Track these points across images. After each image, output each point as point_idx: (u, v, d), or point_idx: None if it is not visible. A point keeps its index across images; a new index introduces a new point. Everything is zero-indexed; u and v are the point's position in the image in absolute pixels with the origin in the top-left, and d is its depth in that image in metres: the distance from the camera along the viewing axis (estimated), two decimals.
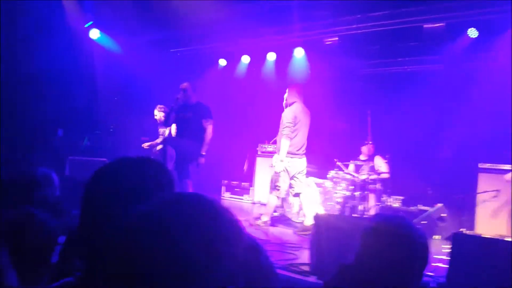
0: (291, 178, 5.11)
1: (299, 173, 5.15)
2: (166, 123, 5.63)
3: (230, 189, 7.90)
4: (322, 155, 6.57)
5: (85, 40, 6.75)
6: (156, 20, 6.27)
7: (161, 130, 6.60)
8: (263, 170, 7.13)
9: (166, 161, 5.47)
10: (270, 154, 6.90)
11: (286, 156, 4.98)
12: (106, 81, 6.96)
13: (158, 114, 6.58)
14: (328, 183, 6.29)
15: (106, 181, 0.99)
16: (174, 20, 6.20)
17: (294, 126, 4.99)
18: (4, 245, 1.24)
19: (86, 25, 6.56)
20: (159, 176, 1.02)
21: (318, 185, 6.31)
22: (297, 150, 5.08)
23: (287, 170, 5.07)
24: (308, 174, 6.49)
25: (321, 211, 6.00)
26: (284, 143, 4.95)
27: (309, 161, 6.52)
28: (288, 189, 5.18)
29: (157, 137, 6.53)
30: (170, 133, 5.71)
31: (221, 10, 5.82)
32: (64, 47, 6.38)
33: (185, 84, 5.58)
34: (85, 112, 6.77)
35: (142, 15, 6.05)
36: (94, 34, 6.78)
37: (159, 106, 6.58)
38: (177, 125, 5.60)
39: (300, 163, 5.14)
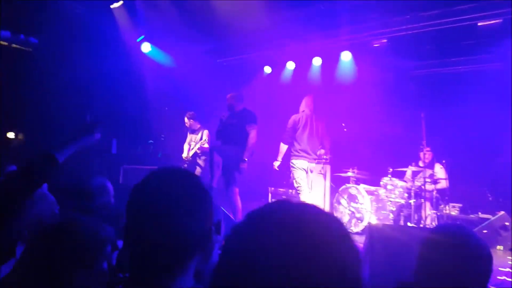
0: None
1: (310, 170, 5.67)
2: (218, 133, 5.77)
3: (276, 196, 7.89)
4: (374, 161, 6.41)
5: (137, 53, 7.06)
6: (203, 31, 6.44)
7: (191, 136, 6.76)
8: (312, 177, 7.01)
9: (213, 169, 5.58)
10: (318, 160, 6.81)
11: (293, 157, 5.64)
12: (157, 92, 7.23)
13: (188, 121, 6.74)
14: (381, 191, 6.11)
15: (146, 191, 1.04)
16: (220, 30, 6.32)
17: (294, 133, 5.62)
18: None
19: (138, 40, 6.86)
20: (194, 188, 1.06)
21: (370, 192, 6.15)
22: (301, 152, 5.65)
23: (296, 169, 5.65)
24: (359, 181, 6.36)
25: (374, 220, 5.84)
26: (281, 146, 5.74)
27: (359, 168, 6.37)
28: (307, 186, 5.67)
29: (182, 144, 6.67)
30: (215, 141, 5.83)
31: (265, 18, 5.85)
32: (117, 60, 6.74)
33: (231, 94, 5.70)
34: (137, 122, 7.06)
35: (189, 27, 6.23)
36: (146, 47, 7.06)
37: (188, 113, 6.73)
38: (223, 133, 5.70)
39: (304, 163, 5.67)
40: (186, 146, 6.83)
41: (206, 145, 6.60)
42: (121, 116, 6.81)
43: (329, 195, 6.45)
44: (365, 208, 5.99)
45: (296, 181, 5.69)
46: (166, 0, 5.85)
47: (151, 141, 7.20)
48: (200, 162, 6.71)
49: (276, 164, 5.83)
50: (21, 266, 1.32)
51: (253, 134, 5.43)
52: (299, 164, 5.63)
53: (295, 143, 5.64)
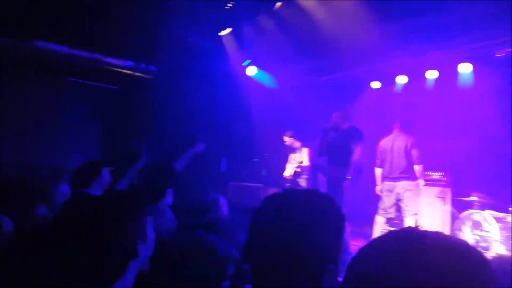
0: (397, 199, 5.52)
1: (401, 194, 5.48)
2: (320, 152, 5.72)
3: (390, 220, 7.41)
4: (501, 184, 5.68)
5: (243, 76, 7.40)
6: (306, 50, 6.50)
7: (292, 156, 6.76)
8: (428, 201, 6.41)
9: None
10: (436, 183, 6.27)
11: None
12: (261, 112, 7.48)
13: (288, 140, 6.75)
14: (510, 218, 5.39)
15: (274, 211, 1.03)
16: (324, 48, 6.30)
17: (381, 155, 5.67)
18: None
19: (244, 63, 7.19)
20: (328, 210, 1.04)
21: (498, 219, 5.50)
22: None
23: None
24: (485, 206, 5.74)
25: (502, 250, 5.18)
26: (375, 171, 5.82)
27: (484, 191, 5.78)
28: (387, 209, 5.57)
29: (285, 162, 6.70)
30: (318, 159, 5.77)
31: (372, 33, 5.65)
32: (225, 84, 7.15)
33: (336, 113, 5.63)
34: (243, 141, 7.36)
35: (294, 47, 6.35)
36: (251, 71, 7.36)
37: (288, 132, 6.75)
38: (328, 150, 5.63)
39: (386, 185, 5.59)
40: (288, 166, 6.89)
41: (306, 164, 6.58)
42: (230, 136, 7.18)
43: (449, 221, 5.97)
44: (491, 237, 5.36)
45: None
46: (271, 24, 6.01)
47: (256, 159, 7.42)
48: (300, 181, 6.72)
49: (378, 188, 5.74)
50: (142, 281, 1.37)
51: (357, 152, 5.27)
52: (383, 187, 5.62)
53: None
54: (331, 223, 1.01)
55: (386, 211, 5.59)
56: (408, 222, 5.45)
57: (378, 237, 0.71)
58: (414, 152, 5.41)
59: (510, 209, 5.47)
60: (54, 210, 2.58)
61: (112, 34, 6.87)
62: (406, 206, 5.42)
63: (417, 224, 0.76)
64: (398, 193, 5.47)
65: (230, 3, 5.98)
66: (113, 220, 1.12)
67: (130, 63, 7.66)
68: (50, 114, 7.73)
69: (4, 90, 7.16)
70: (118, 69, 7.62)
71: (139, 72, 7.80)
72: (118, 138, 8.13)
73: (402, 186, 5.45)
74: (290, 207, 1.01)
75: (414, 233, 0.69)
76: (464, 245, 0.66)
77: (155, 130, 7.50)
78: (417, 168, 5.42)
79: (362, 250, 0.70)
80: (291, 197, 1.06)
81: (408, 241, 0.67)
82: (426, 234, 0.68)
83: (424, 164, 5.56)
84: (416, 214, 5.43)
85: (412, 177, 5.44)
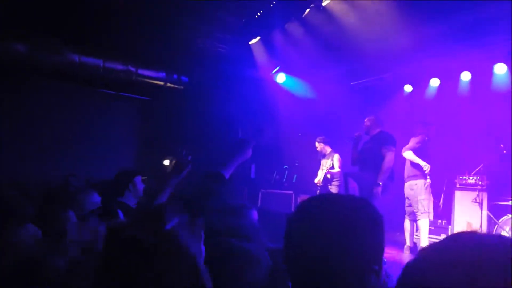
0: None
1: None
2: (352, 160, 5.72)
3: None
4: None
5: (273, 83, 7.51)
6: (336, 55, 6.54)
7: (323, 161, 6.73)
8: (463, 206, 6.29)
9: None
10: (472, 187, 6.12)
11: None
12: (291, 119, 7.55)
13: (319, 146, 6.73)
14: None
15: (311, 217, 1.04)
16: (354, 53, 6.33)
17: None
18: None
19: (274, 71, 7.30)
20: (364, 212, 1.04)
21: None
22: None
23: None
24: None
25: None
26: None
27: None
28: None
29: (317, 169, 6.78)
30: (350, 165, 5.75)
31: (403, 37, 5.66)
32: (255, 92, 7.26)
33: (368, 118, 5.63)
34: (273, 148, 7.43)
35: (323, 53, 6.41)
36: (281, 78, 7.46)
37: (319, 137, 6.73)
38: (359, 157, 5.62)
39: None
40: (319, 172, 6.88)
41: (337, 170, 6.55)
42: (259, 143, 7.26)
43: (486, 227, 5.81)
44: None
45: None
46: (301, 30, 6.10)
47: (286, 166, 7.46)
48: (331, 187, 6.69)
49: None
50: None
51: (389, 157, 5.25)
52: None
53: None
54: (369, 225, 1.01)
55: (407, 213, 5.98)
56: (419, 223, 5.72)
57: (433, 244, 0.71)
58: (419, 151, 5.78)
59: None
60: (83, 217, 2.70)
61: (144, 46, 7.13)
62: (413, 206, 5.79)
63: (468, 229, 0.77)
64: (406, 194, 5.92)
65: (259, 12, 6.11)
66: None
67: (162, 74, 7.93)
68: (84, 125, 8.06)
69: (39, 102, 7.53)
70: (150, 80, 7.89)
71: (170, 83, 8.06)
72: (150, 148, 8.39)
73: (407, 186, 5.88)
74: (328, 212, 1.02)
75: (467, 237, 0.69)
76: None
77: (187, 139, 7.68)
78: (422, 166, 5.70)
79: (419, 257, 0.70)
80: (327, 202, 1.07)
81: (469, 245, 0.67)
82: (482, 236, 0.68)
83: (432, 164, 5.80)
84: (425, 212, 5.66)
85: (415, 176, 5.78)
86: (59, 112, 7.72)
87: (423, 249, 0.71)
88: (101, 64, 7.29)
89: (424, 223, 5.68)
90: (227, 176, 2.14)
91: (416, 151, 5.81)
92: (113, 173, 3.40)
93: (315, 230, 0.99)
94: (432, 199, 5.89)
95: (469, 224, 6.06)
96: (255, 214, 2.84)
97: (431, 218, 5.85)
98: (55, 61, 6.85)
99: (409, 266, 0.70)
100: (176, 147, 7.16)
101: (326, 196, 1.13)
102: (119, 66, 7.49)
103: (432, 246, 0.70)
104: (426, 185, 5.74)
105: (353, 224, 0.99)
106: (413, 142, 5.90)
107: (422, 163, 5.71)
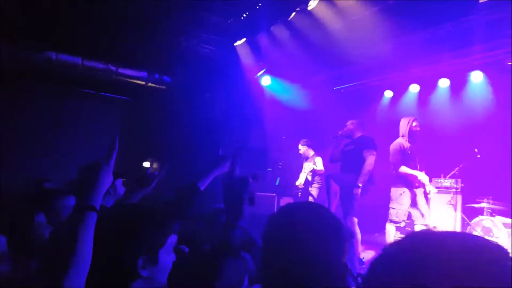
0: None
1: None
2: (331, 158, 5.85)
3: (400, 229, 7.55)
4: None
5: (258, 86, 7.59)
6: (321, 60, 6.69)
7: (305, 164, 6.87)
8: (438, 208, 6.58)
9: (330, 198, 5.63)
10: (447, 189, 6.44)
11: None
12: (275, 121, 7.65)
13: (302, 148, 6.86)
14: None
15: (284, 221, 1.18)
16: (338, 58, 6.49)
17: None
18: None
19: (259, 74, 7.37)
20: (327, 221, 1.17)
21: (507, 225, 5.80)
22: None
23: None
24: (495, 212, 5.92)
25: None
26: None
27: (495, 198, 5.95)
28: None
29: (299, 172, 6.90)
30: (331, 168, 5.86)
31: (386, 43, 5.86)
32: (239, 94, 7.32)
33: (350, 121, 5.77)
34: (257, 151, 7.50)
35: (308, 57, 6.56)
36: (266, 81, 7.54)
37: (302, 140, 6.87)
38: (341, 159, 5.77)
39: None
40: (301, 174, 7.01)
41: (320, 167, 6.67)
42: (243, 145, 7.32)
43: (460, 228, 6.14)
44: (501, 243, 5.45)
45: None
46: (287, 34, 6.19)
47: (269, 168, 7.56)
48: (312, 190, 6.83)
49: None
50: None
51: (370, 161, 5.40)
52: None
53: None
54: (332, 230, 1.14)
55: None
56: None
57: (395, 241, 0.76)
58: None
59: None
60: (60, 222, 2.69)
61: (125, 44, 7.03)
62: None
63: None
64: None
65: (245, 13, 6.15)
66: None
67: (143, 73, 7.84)
68: (63, 126, 7.88)
69: (14, 102, 7.30)
70: (131, 80, 7.79)
71: (152, 83, 7.98)
72: (130, 149, 8.28)
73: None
74: (296, 220, 1.15)
75: (427, 233, 0.73)
76: (481, 239, 0.72)
77: (168, 140, 7.63)
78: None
79: (380, 255, 0.75)
80: (297, 212, 1.20)
81: (423, 240, 0.71)
82: (441, 233, 0.72)
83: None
84: (391, 220, 5.56)
85: (393, 183, 5.64)
86: (35, 112, 7.52)
87: (385, 247, 0.76)
88: (80, 62, 7.15)
89: (389, 228, 5.63)
90: (202, 188, 2.31)
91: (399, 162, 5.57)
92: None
93: (284, 237, 1.13)
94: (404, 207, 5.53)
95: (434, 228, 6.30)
96: None
97: (402, 225, 5.62)
98: (30, 58, 6.65)
99: (372, 264, 0.75)
100: (148, 160, 7.21)
101: (298, 206, 1.28)
102: (99, 65, 7.37)
103: (392, 244, 0.75)
104: (399, 193, 5.51)
105: (318, 236, 1.11)
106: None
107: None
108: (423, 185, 5.48)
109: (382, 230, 6.45)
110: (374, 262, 0.75)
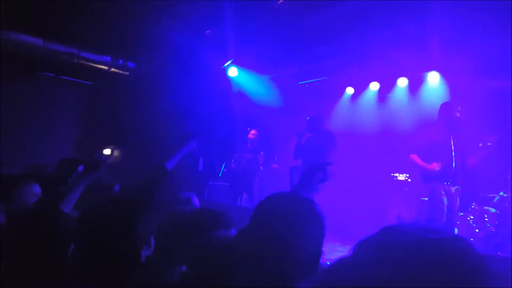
0: None
1: None
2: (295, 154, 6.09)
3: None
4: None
5: (224, 77, 7.71)
6: (287, 54, 6.89)
7: (245, 155, 7.10)
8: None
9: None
10: (402, 184, 6.85)
11: None
12: (241, 113, 7.79)
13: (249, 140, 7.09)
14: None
15: (268, 210, 1.27)
16: (303, 53, 6.71)
17: None
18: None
19: (226, 64, 7.49)
20: (309, 212, 1.26)
21: None
22: None
23: None
24: None
25: None
26: None
27: None
28: None
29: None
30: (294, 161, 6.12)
31: (349, 41, 6.13)
32: (206, 84, 7.41)
33: (311, 115, 6.02)
34: (222, 142, 7.64)
35: (274, 50, 6.73)
36: (233, 72, 7.67)
37: (251, 132, 7.05)
38: (303, 153, 6.02)
39: None
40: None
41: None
42: (208, 136, 7.45)
43: None
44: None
45: None
46: (255, 26, 6.35)
47: (233, 160, 7.74)
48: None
49: None
50: None
51: (330, 155, 5.64)
52: None
53: None
54: (313, 230, 1.21)
55: None
56: None
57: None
58: None
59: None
60: (23, 209, 2.63)
61: (89, 28, 6.94)
62: None
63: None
64: None
65: (214, 2, 6.24)
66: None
67: (107, 58, 7.78)
68: (21, 110, 7.68)
69: None
70: (94, 64, 7.70)
71: (115, 68, 7.93)
72: (92, 136, 8.20)
73: None
74: (280, 209, 1.24)
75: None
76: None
77: (130, 127, 7.63)
78: None
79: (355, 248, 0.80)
80: (280, 200, 1.29)
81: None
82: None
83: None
84: None
85: None
86: None
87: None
88: (41, 44, 7.00)
89: None
90: (169, 168, 2.30)
91: None
92: (53, 161, 3.30)
93: (268, 221, 1.21)
94: None
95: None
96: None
97: None
98: None
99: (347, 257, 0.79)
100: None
101: (287, 193, 1.38)
102: (61, 48, 7.24)
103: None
104: None
105: (295, 224, 1.20)
106: None
107: None
108: None
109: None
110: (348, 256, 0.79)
